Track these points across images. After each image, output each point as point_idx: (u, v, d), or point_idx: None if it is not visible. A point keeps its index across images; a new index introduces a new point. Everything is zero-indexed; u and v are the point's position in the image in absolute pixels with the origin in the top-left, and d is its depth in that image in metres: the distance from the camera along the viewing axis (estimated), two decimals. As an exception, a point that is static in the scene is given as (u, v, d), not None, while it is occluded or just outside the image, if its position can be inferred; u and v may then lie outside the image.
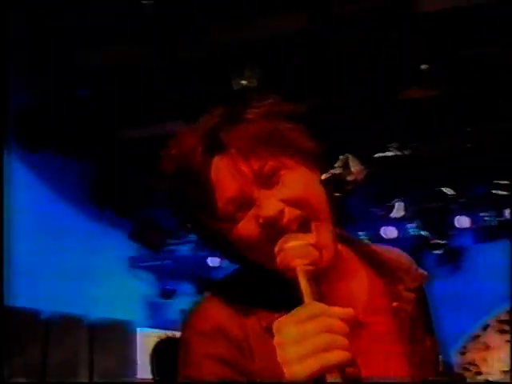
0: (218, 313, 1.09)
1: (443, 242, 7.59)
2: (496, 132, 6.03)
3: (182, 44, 4.65)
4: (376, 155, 5.91)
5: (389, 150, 5.93)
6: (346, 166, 5.60)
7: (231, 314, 1.08)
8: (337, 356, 0.87)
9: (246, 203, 1.08)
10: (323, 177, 1.10)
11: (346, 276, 1.16)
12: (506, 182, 6.73)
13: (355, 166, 5.65)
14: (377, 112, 5.69)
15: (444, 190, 6.73)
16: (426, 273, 1.23)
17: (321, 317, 0.90)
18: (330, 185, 1.16)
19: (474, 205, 6.99)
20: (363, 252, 1.22)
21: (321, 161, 1.18)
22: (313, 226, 1.07)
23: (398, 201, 6.77)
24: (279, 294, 1.07)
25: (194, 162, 1.09)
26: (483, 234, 7.51)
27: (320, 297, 0.95)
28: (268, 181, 1.08)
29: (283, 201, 1.06)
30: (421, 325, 1.17)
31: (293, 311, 0.91)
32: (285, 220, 1.05)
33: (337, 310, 0.92)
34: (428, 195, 6.84)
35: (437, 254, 7.80)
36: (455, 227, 7.25)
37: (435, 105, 5.47)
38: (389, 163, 6.03)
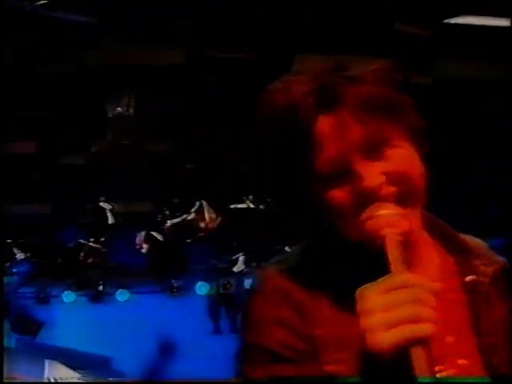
0: (282, 277, 1.07)
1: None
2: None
3: (54, 61, 4.40)
4: (231, 206, 5.89)
5: (244, 202, 5.93)
6: (200, 212, 5.52)
7: (295, 279, 1.06)
8: (424, 328, 0.86)
9: (343, 169, 1.02)
10: None
11: (419, 257, 1.10)
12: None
13: (210, 214, 5.60)
14: (237, 162, 5.69)
15: (287, 249, 6.82)
16: (504, 259, 1.15)
17: (410, 287, 0.88)
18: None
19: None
20: (438, 230, 1.15)
21: (423, 138, 1.08)
22: (407, 208, 1.02)
23: (242, 255, 6.76)
24: (353, 265, 1.05)
25: (301, 112, 1.02)
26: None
27: (408, 267, 0.92)
28: (372, 151, 1.02)
29: (385, 174, 1.01)
30: (496, 308, 1.08)
31: (380, 279, 0.90)
32: (383, 194, 1.00)
33: (426, 282, 0.90)
34: (271, 253, 6.89)
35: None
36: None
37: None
38: (241, 215, 6.02)
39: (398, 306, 0.87)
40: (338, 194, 1.02)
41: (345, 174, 1.02)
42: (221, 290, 7.22)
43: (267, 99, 1.06)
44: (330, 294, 1.04)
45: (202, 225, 5.81)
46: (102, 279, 7.09)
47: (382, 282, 0.89)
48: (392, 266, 0.91)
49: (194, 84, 4.89)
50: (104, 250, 6.98)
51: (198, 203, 5.79)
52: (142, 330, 7.11)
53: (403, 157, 1.03)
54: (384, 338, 0.86)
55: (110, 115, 4.21)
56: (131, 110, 4.24)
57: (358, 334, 0.91)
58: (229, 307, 7.55)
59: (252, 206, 5.95)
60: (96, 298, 7.05)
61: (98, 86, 4.38)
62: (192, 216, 5.81)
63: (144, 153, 5.14)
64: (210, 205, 5.80)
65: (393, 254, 0.93)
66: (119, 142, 4.67)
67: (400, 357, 0.86)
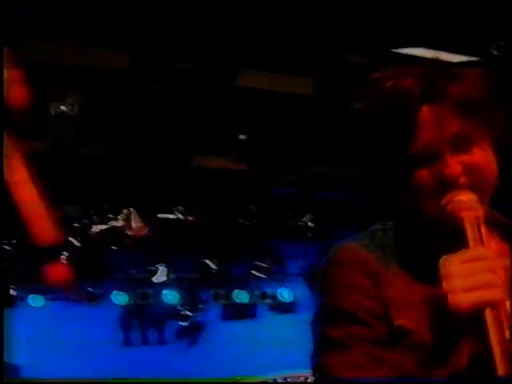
0: (357, 246, 1.25)
1: (191, 314, 7.62)
2: (269, 216, 6.32)
3: None
4: (159, 215, 5.83)
5: (173, 213, 5.88)
6: (127, 220, 5.46)
7: (370, 251, 1.24)
8: (497, 293, 1.05)
9: (432, 154, 1.19)
10: None
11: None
12: (265, 265, 7.03)
13: (137, 222, 5.55)
14: (168, 175, 5.65)
15: (208, 262, 6.80)
16: None
17: (487, 259, 1.08)
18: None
19: (231, 282, 7.17)
20: (494, 220, 1.30)
21: (503, 149, 1.25)
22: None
23: (163, 266, 6.69)
24: (423, 240, 1.23)
25: (408, 98, 1.18)
26: (232, 311, 7.69)
27: (483, 245, 1.11)
28: (460, 145, 1.19)
29: (465, 166, 1.18)
30: None
31: (460, 252, 1.09)
32: (459, 182, 1.18)
33: (498, 257, 1.11)
34: (192, 265, 6.86)
35: (181, 325, 7.78)
36: (206, 301, 7.37)
37: (229, 177, 5.60)
38: (168, 225, 5.97)
39: (475, 274, 1.07)
40: (423, 175, 1.19)
41: (433, 158, 1.19)
42: (138, 301, 7.11)
43: (378, 81, 1.21)
44: (399, 263, 1.23)
45: (129, 233, 5.73)
46: (15, 283, 6.83)
47: (463, 254, 1.09)
48: (470, 242, 1.11)
49: (137, 90, 4.84)
50: (16, 252, 6.74)
51: (125, 211, 5.70)
52: (54, 338, 6.90)
53: (484, 157, 1.21)
54: (463, 299, 1.05)
55: (53, 113, 4.09)
56: (75, 110, 4.14)
57: (424, 295, 1.14)
58: (144, 318, 7.45)
59: (181, 216, 5.92)
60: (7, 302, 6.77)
61: (42, 83, 4.26)
62: (119, 223, 5.71)
63: (78, 155, 5.02)
64: (138, 213, 5.72)
65: (470, 232, 1.12)
66: (55, 142, 4.55)
67: (475, 316, 1.05)
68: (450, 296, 1.06)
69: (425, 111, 1.18)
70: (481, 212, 1.16)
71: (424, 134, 1.18)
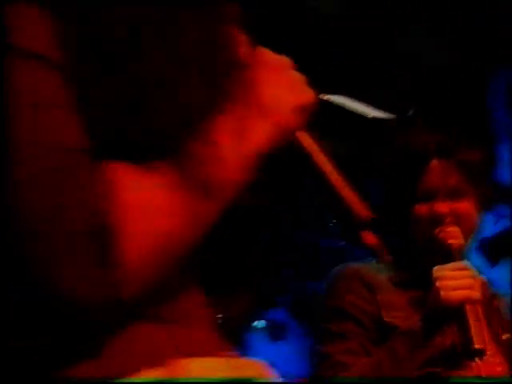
0: (356, 266, 1.62)
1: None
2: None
3: None
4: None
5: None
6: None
7: (366, 268, 1.61)
8: (476, 294, 1.44)
9: (431, 196, 1.57)
10: None
11: None
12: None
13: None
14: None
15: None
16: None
17: (468, 269, 1.48)
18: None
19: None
20: None
21: (485, 205, 1.63)
22: None
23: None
24: (411, 259, 1.62)
25: (423, 152, 1.57)
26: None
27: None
28: (454, 194, 1.57)
29: (453, 210, 1.56)
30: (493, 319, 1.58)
31: (449, 264, 1.49)
32: (446, 220, 1.56)
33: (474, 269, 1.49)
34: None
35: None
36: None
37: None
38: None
39: (461, 278, 1.45)
40: (422, 209, 1.57)
41: (431, 199, 1.57)
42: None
43: (401, 137, 1.62)
44: (390, 277, 1.60)
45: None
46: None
47: (452, 264, 1.49)
48: (456, 259, 1.51)
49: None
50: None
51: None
52: None
53: (468, 208, 1.59)
54: (452, 295, 1.43)
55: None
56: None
57: (410, 299, 1.53)
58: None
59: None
60: None
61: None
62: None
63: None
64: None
65: (456, 253, 1.52)
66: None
67: (458, 308, 1.41)
68: (442, 292, 1.44)
69: (434, 163, 1.57)
70: (463, 242, 1.55)
71: (429, 180, 1.56)
